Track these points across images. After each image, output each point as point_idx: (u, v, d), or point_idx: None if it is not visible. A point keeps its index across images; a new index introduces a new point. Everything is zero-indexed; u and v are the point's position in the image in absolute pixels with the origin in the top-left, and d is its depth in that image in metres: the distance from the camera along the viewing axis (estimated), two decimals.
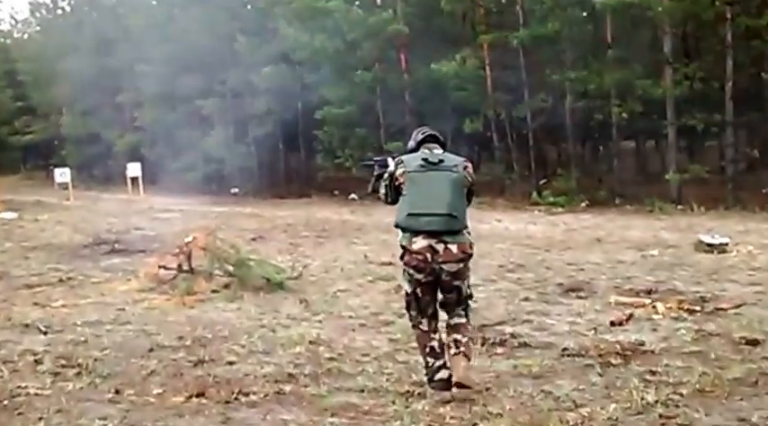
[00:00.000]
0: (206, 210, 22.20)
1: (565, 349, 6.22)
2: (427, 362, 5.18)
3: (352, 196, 25.26)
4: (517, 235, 14.38)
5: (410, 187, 5.12)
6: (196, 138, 30.54)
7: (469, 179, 5.27)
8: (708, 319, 7.12)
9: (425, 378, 5.23)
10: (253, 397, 5.18)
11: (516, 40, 20.84)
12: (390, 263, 10.69)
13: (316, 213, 20.41)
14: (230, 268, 9.10)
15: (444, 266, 5.02)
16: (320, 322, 7.47)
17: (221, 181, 31.54)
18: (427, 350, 5.19)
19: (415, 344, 5.65)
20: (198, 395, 5.20)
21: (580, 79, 20.12)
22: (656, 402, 4.89)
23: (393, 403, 5.02)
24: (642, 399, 4.94)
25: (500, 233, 14.66)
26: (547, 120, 22.36)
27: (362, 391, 5.29)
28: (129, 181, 29.38)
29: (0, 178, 40.40)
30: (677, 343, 6.33)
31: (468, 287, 5.34)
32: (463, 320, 5.27)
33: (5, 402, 5.17)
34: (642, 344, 6.28)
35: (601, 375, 5.54)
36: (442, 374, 5.10)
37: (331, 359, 6.10)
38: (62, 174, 28.62)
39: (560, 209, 19.10)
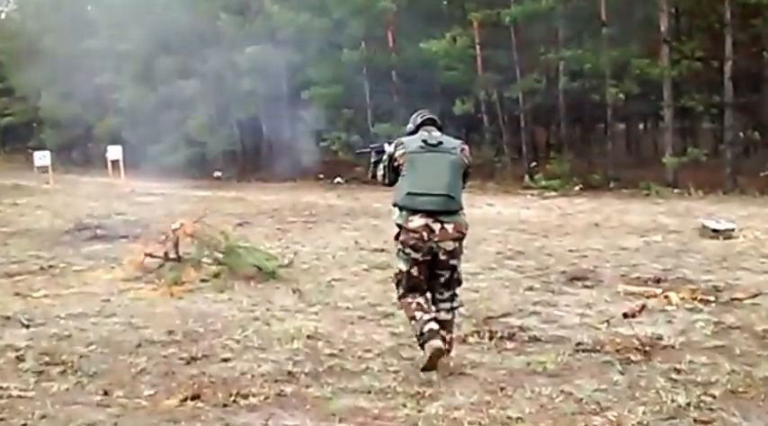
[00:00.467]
0: (188, 194, 21.74)
1: (579, 343, 5.89)
2: (414, 317, 5.23)
3: (338, 179, 24.84)
4: (511, 219, 14.03)
5: (409, 167, 5.25)
6: (178, 120, 29.93)
7: (466, 161, 5.44)
8: (724, 310, 6.83)
9: (414, 334, 5.30)
10: (252, 400, 4.80)
11: (508, 18, 20.32)
12: (383, 250, 10.38)
13: (301, 197, 19.97)
14: (219, 256, 8.69)
15: (441, 244, 5.15)
16: (316, 314, 7.09)
17: (203, 165, 30.98)
18: (414, 305, 5.27)
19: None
20: (193, 398, 4.81)
21: (575, 58, 19.66)
22: (688, 404, 4.57)
23: (404, 406, 4.66)
24: (672, 401, 4.62)
25: (493, 217, 14.30)
26: (539, 101, 21.97)
27: (369, 392, 4.93)
28: (109, 165, 28.84)
29: None
30: (697, 337, 6.01)
31: (460, 272, 5.47)
32: (449, 316, 5.42)
33: None
34: (660, 338, 5.96)
35: (622, 373, 5.21)
36: (431, 325, 5.15)
37: (332, 355, 5.73)
38: (42, 157, 28.00)
39: (553, 193, 18.73)
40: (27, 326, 6.70)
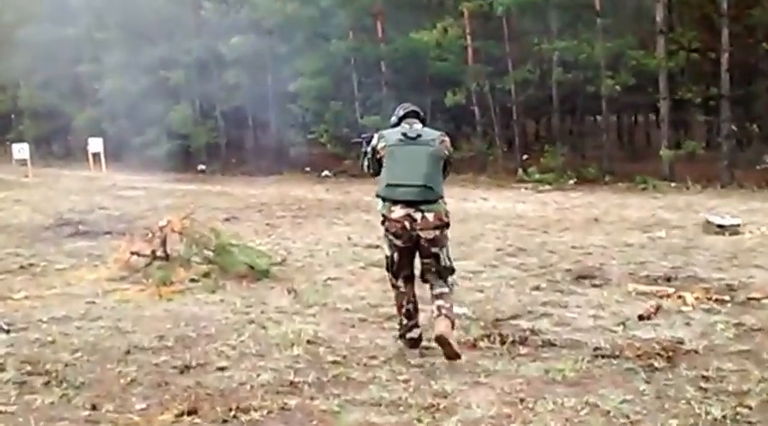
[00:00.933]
0: (172, 188, 21.32)
1: (597, 348, 5.56)
2: (401, 320, 5.63)
3: (326, 173, 24.42)
4: (507, 214, 13.70)
5: (389, 160, 5.47)
6: (160, 112, 29.43)
7: (446, 151, 5.59)
8: (743, 311, 6.54)
9: (398, 334, 5.70)
10: (254, 414, 4.42)
11: (501, 8, 19.85)
12: (377, 247, 9.92)
13: (289, 191, 19.57)
14: (210, 254, 8.29)
15: (422, 233, 5.33)
16: (314, 316, 6.71)
17: (187, 158, 30.51)
18: (403, 310, 5.60)
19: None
20: (189, 413, 4.43)
21: (570, 49, 19.29)
22: (724, 417, 4.25)
23: (419, 421, 4.31)
24: (707, 413, 4.29)
25: (488, 212, 13.99)
26: (532, 93, 21.62)
27: (379, 405, 4.57)
28: (90, 157, 28.36)
29: None
30: (719, 341, 5.70)
31: (449, 258, 5.58)
32: (446, 289, 5.49)
33: None
34: (681, 342, 5.65)
35: (647, 381, 4.88)
36: (414, 333, 5.58)
37: (335, 362, 5.36)
38: (20, 150, 27.50)
39: (548, 187, 18.43)
40: (7, 331, 6.28)
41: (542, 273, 8.31)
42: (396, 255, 5.50)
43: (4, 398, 4.75)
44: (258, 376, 5.08)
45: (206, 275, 8.07)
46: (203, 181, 24.35)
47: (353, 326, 6.34)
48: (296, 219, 13.68)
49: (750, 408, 4.37)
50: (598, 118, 27.66)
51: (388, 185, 5.40)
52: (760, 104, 19.77)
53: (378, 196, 5.53)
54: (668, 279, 7.80)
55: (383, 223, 5.49)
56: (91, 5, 31.77)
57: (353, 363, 5.34)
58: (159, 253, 8.37)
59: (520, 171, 20.25)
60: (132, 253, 8.44)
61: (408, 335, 5.58)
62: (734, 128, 18.36)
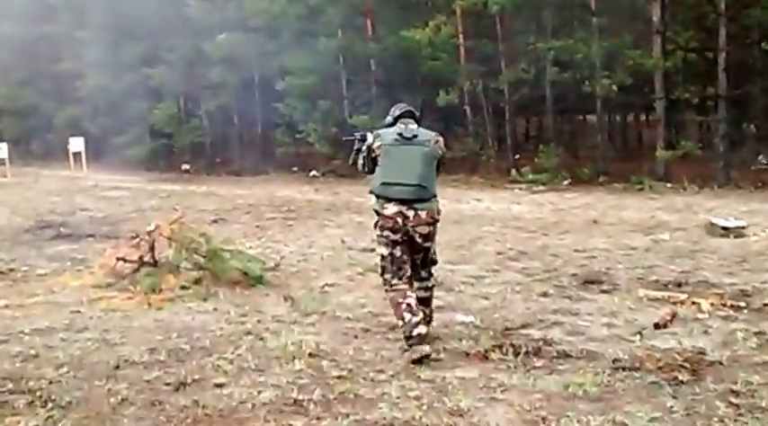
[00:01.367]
0: (156, 188, 20.92)
1: (616, 360, 5.26)
2: (404, 317, 5.43)
3: (313, 173, 24.06)
4: (503, 215, 13.41)
5: (385, 158, 5.59)
6: (143, 111, 29.08)
7: (440, 152, 5.72)
8: (761, 318, 6.28)
9: (402, 336, 5.45)
10: None
11: (496, 6, 19.51)
12: (373, 250, 9.64)
13: (277, 191, 19.21)
14: (200, 260, 7.91)
15: (416, 228, 5.49)
16: (313, 325, 6.36)
17: (170, 157, 30.13)
18: (404, 306, 5.45)
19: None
20: None
21: (566, 48, 18.96)
22: None
23: None
24: None
25: (483, 213, 13.70)
26: (525, 93, 21.32)
27: None
28: (71, 157, 27.86)
29: None
30: (743, 351, 5.42)
31: (435, 252, 5.80)
32: (428, 294, 5.82)
33: None
34: (703, 353, 5.37)
35: (674, 396, 4.59)
36: (420, 329, 5.39)
37: (340, 377, 5.02)
38: None
39: (542, 187, 18.15)
40: None
41: (547, 278, 8.01)
42: (396, 251, 5.54)
43: None
44: (259, 393, 4.73)
45: (197, 282, 7.69)
46: (188, 182, 23.92)
47: (356, 337, 6.00)
48: (286, 221, 13.32)
49: None
50: (587, 117, 27.55)
51: (384, 183, 5.53)
52: (754, 104, 19.56)
53: (371, 192, 5.65)
54: (678, 285, 7.52)
55: (376, 224, 5.62)
56: (71, 3, 31.29)
57: (360, 378, 5.01)
58: (147, 259, 7.98)
59: (513, 171, 19.96)
60: (118, 259, 8.03)
61: (415, 332, 5.36)
62: (744, 126, 18.11)
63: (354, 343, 5.81)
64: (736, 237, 9.97)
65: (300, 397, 4.66)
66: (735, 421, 4.18)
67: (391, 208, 5.47)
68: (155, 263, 7.94)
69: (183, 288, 7.59)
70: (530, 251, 9.65)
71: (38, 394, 4.78)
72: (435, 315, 6.11)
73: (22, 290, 7.92)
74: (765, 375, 4.91)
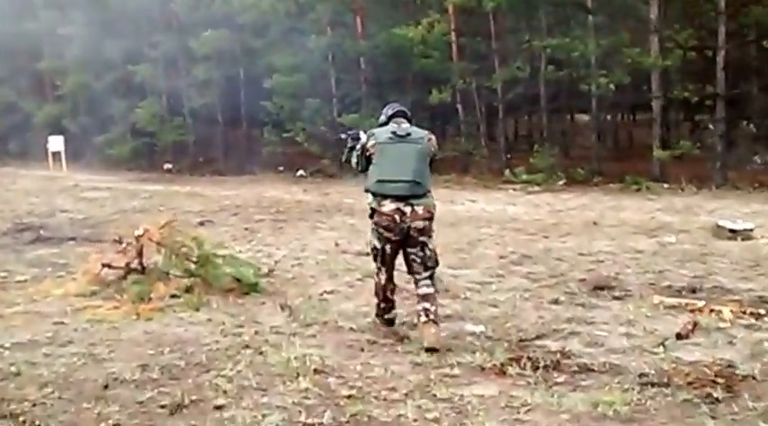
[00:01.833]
0: (138, 189, 20.41)
1: (642, 375, 4.93)
2: (379, 304, 6.06)
3: (301, 172, 23.62)
4: (499, 217, 13.08)
5: (380, 156, 5.74)
6: (125, 109, 28.55)
7: (433, 150, 5.88)
8: None
9: (374, 314, 6.17)
10: None
11: (491, 4, 19.13)
12: (368, 254, 9.32)
13: (264, 192, 18.76)
14: (191, 266, 7.50)
15: (412, 224, 5.63)
16: (315, 337, 5.97)
17: (152, 156, 29.60)
18: (381, 296, 6.02)
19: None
20: None
21: (562, 46, 18.56)
22: None
23: None
24: None
25: (479, 215, 13.36)
26: (519, 92, 20.99)
27: None
28: (50, 156, 27.27)
29: None
30: None
31: (434, 251, 5.82)
32: (431, 290, 5.75)
33: None
34: (733, 366, 5.06)
35: (713, 416, 4.28)
36: (391, 314, 6.07)
37: (350, 397, 4.65)
38: None
39: (537, 188, 17.83)
40: None
41: (555, 284, 7.68)
42: (388, 248, 5.76)
43: None
44: (264, 417, 4.35)
45: (188, 290, 7.27)
46: (171, 182, 23.41)
47: (362, 350, 5.62)
48: (276, 223, 12.90)
49: None
50: (576, 117, 27.30)
51: (379, 180, 5.67)
52: (750, 104, 19.31)
53: (367, 190, 5.79)
54: (693, 291, 7.22)
55: (372, 216, 5.77)
56: None
57: (372, 398, 4.64)
58: (134, 266, 7.56)
59: (507, 171, 19.60)
60: (104, 265, 7.61)
61: (386, 316, 6.05)
62: (744, 125, 17.85)
63: (361, 358, 5.43)
64: (743, 240, 9.69)
65: (310, 421, 4.29)
66: None
67: (388, 206, 5.61)
68: (142, 270, 7.52)
69: (173, 296, 7.16)
70: (533, 254, 9.32)
71: (20, 418, 4.39)
72: (443, 325, 5.91)
73: (1, 299, 7.45)
74: None
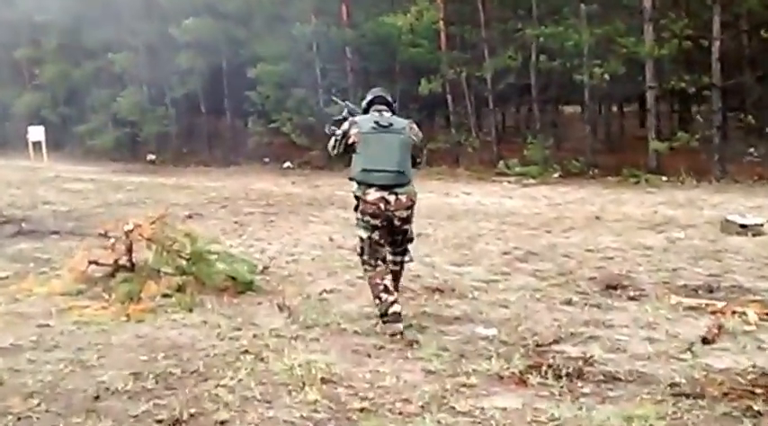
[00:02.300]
0: (122, 180, 19.96)
1: (673, 384, 4.59)
2: (380, 298, 5.78)
3: (287, 164, 23.21)
4: (497, 210, 12.74)
5: (364, 146, 5.81)
6: (106, 99, 28.05)
7: (414, 138, 5.99)
8: None
9: (378, 313, 5.83)
10: None
11: None
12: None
13: (251, 184, 18.37)
14: (184, 263, 7.10)
15: (396, 213, 5.77)
16: (318, 341, 5.59)
17: (135, 147, 29.12)
18: (381, 287, 5.80)
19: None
20: None
21: (556, 35, 18.15)
22: None
23: None
24: None
25: (475, 208, 13.01)
26: (513, 82, 20.61)
27: None
28: (30, 146, 26.73)
29: None
30: None
31: (412, 231, 6.13)
32: (398, 268, 6.15)
33: None
34: None
35: None
36: (395, 307, 5.72)
37: (363, 410, 4.29)
38: None
39: (532, 181, 17.51)
40: None
41: (564, 282, 7.34)
42: (375, 235, 5.83)
43: None
44: None
45: (180, 289, 6.86)
46: (154, 173, 22.96)
47: (370, 356, 5.26)
48: (267, 217, 12.53)
49: None
50: (565, 108, 26.96)
51: (364, 170, 5.76)
52: (748, 95, 19.01)
53: (352, 179, 5.87)
54: (710, 290, 6.90)
55: (357, 207, 5.87)
56: None
57: (386, 410, 4.28)
58: (123, 262, 7.15)
59: (500, 163, 19.25)
60: (90, 263, 7.20)
61: (391, 310, 5.71)
62: (742, 117, 17.54)
63: (370, 365, 5.07)
64: (754, 236, 9.38)
65: None
66: None
67: (373, 194, 5.72)
68: (132, 267, 7.11)
69: (164, 296, 6.73)
70: (537, 250, 8.99)
71: None
72: (454, 328, 5.87)
73: None
74: None
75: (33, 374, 4.94)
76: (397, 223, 5.83)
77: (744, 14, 18.08)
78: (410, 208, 5.85)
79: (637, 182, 16.51)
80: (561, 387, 4.59)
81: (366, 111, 6.08)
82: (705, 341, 5.38)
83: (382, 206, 5.71)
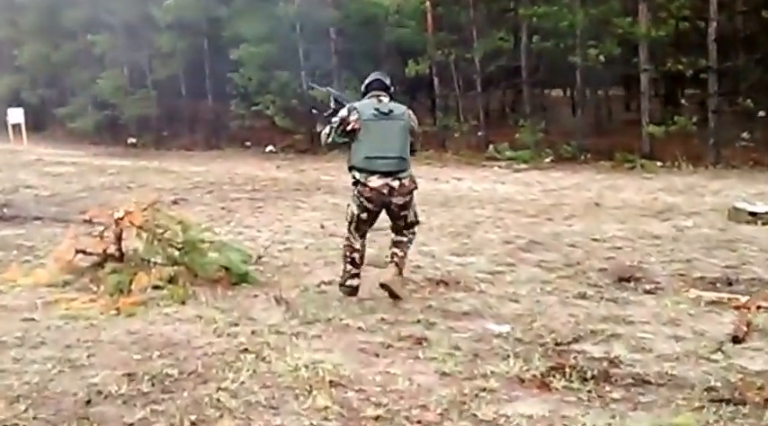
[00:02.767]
0: (104, 164, 19.51)
1: (709, 389, 4.27)
2: (345, 267, 6.10)
3: (270, 148, 22.78)
4: (490, 197, 12.43)
5: (365, 133, 5.84)
6: (86, 80, 27.50)
7: (413, 124, 6.09)
8: None
9: (339, 280, 6.22)
10: None
11: None
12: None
13: (235, 168, 17.96)
14: (175, 253, 6.73)
15: (393, 199, 5.89)
16: (320, 338, 5.24)
17: (115, 130, 28.59)
18: (348, 259, 6.09)
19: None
20: None
21: (550, 15, 17.67)
22: None
23: None
24: None
25: (468, 194, 12.73)
26: (503, 64, 20.22)
27: None
28: (9, 129, 26.17)
29: None
30: None
31: (415, 215, 6.21)
32: (405, 239, 6.18)
33: None
34: None
35: None
36: (354, 281, 6.08)
37: (378, 418, 3.95)
38: None
39: (523, 165, 17.18)
40: None
41: (574, 274, 7.03)
42: (364, 216, 5.96)
43: None
44: None
45: (172, 280, 6.50)
46: (136, 156, 22.50)
47: (378, 355, 4.91)
48: (254, 203, 12.16)
49: None
50: (552, 91, 26.64)
51: (367, 157, 5.80)
52: (744, 78, 18.68)
53: (351, 168, 5.93)
54: (729, 283, 6.61)
55: (356, 185, 5.90)
56: None
57: (402, 418, 3.95)
58: (112, 251, 6.77)
59: (491, 148, 18.90)
60: (77, 252, 6.80)
61: (349, 283, 6.08)
62: (740, 100, 17.24)
63: (378, 365, 4.74)
64: (764, 224, 9.11)
65: None
66: None
67: (376, 181, 5.79)
68: (121, 257, 6.73)
69: (155, 287, 6.38)
70: (540, 239, 8.67)
71: None
72: (464, 324, 5.54)
73: None
74: None
75: (19, 375, 4.57)
76: (394, 209, 5.94)
77: None
78: (410, 193, 5.97)
79: (632, 168, 16.20)
80: (589, 392, 4.27)
81: (364, 95, 6.08)
82: (735, 339, 5.09)
83: (385, 191, 5.82)
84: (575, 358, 4.79)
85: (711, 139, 16.53)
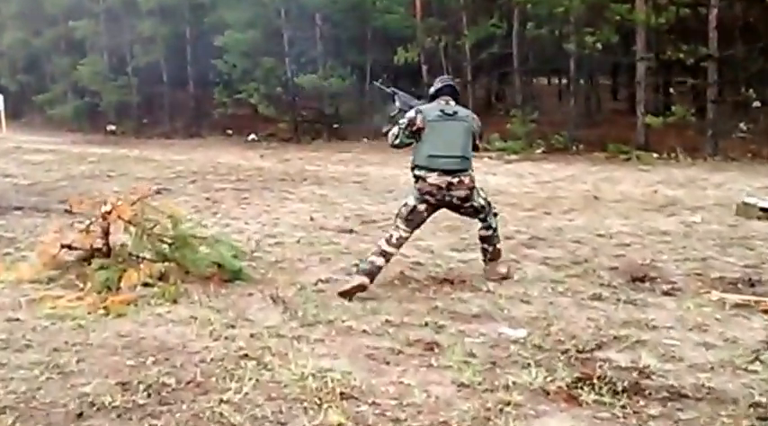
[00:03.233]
0: (83, 152, 19.10)
1: (755, 405, 3.93)
2: (373, 258, 6.02)
3: (252, 136, 22.33)
4: (484, 189, 12.06)
5: (430, 133, 6.03)
6: (66, 67, 27.05)
7: (476, 127, 6.28)
8: None
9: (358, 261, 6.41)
10: None
11: None
12: (351, 231, 8.36)
13: (218, 157, 17.61)
14: (166, 248, 6.34)
15: (454, 194, 6.05)
16: (323, 343, 4.87)
17: (95, 117, 28.11)
18: (381, 250, 6.04)
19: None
20: None
21: (545, 1, 17.26)
22: None
23: None
24: None
25: None
26: (491, 52, 19.84)
27: None
28: None
29: None
30: None
31: (483, 198, 6.35)
32: (489, 232, 6.41)
33: None
34: None
35: None
36: (368, 274, 5.93)
37: None
38: None
39: (515, 156, 16.85)
40: None
41: (584, 273, 6.71)
42: (422, 207, 6.08)
43: None
44: None
45: (162, 277, 6.13)
46: (116, 144, 22.04)
47: (388, 363, 4.55)
48: (239, 193, 11.84)
49: None
50: (538, 80, 26.32)
51: (431, 156, 5.98)
52: (743, 67, 18.39)
53: (415, 167, 6.07)
54: (751, 284, 6.29)
55: (416, 182, 6.07)
56: None
57: None
58: (99, 246, 6.37)
59: None
60: (63, 247, 6.40)
61: (362, 266, 6.03)
62: (743, 90, 16.95)
63: (391, 374, 4.37)
64: None
65: None
66: None
67: (436, 178, 5.97)
68: (108, 253, 6.33)
69: (145, 285, 6.00)
70: (542, 235, 8.38)
71: None
72: (475, 327, 5.23)
73: None
74: None
75: (5, 382, 4.17)
76: (456, 202, 6.13)
77: None
78: (470, 189, 6.11)
79: (627, 159, 15.92)
80: (623, 407, 3.91)
81: (433, 98, 6.24)
82: None
83: (444, 186, 5.98)
84: (600, 367, 4.45)
85: (710, 130, 16.19)
